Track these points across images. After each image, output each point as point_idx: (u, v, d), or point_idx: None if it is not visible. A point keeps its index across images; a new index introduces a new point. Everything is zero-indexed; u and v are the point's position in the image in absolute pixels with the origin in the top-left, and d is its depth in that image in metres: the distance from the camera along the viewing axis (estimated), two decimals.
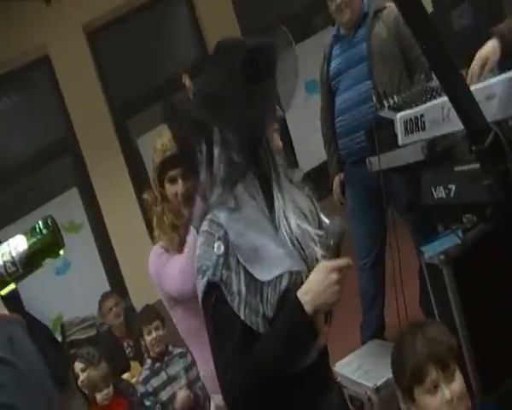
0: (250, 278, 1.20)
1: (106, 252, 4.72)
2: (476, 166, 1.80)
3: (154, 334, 3.09)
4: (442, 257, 2.00)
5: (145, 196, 1.93)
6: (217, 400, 1.82)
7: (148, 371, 3.06)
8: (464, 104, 1.67)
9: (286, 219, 1.28)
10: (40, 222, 0.98)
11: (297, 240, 1.28)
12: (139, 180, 4.41)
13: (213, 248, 1.20)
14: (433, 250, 2.05)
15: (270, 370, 1.21)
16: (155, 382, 3.01)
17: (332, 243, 1.23)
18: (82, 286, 4.63)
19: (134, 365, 3.67)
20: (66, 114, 4.77)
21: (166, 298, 1.86)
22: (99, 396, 2.90)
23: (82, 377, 3.13)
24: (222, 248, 1.20)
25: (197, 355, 1.91)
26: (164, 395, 2.98)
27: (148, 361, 3.10)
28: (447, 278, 2.00)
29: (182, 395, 2.89)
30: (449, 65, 1.64)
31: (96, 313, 4.17)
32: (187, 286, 1.66)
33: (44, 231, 0.96)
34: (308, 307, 1.18)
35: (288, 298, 1.22)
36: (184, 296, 1.72)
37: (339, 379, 2.56)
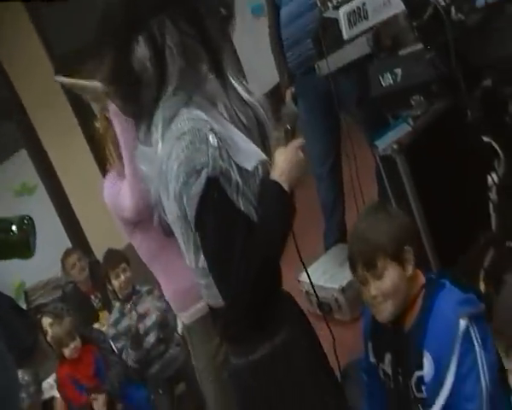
0: (239, 168, 1.23)
1: (64, 210, 4.67)
2: (419, 46, 1.86)
3: (122, 277, 3.08)
4: (395, 146, 2.08)
5: (96, 124, 1.92)
6: (183, 318, 1.86)
7: (117, 314, 3.07)
8: None
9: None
10: (15, 219, 0.93)
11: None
12: (91, 131, 4.34)
13: (207, 142, 1.18)
14: (386, 141, 2.12)
15: (272, 255, 1.27)
16: (126, 323, 3.02)
17: (289, 126, 1.34)
18: (42, 249, 4.53)
19: (102, 314, 3.69)
20: (4, 74, 4.62)
21: (125, 225, 1.88)
22: (66, 351, 2.90)
23: (50, 332, 3.13)
24: (216, 139, 1.18)
25: (161, 276, 1.92)
26: None
27: (117, 304, 3.11)
28: (401, 167, 2.09)
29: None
30: None
31: (60, 274, 4.15)
32: (140, 204, 1.70)
33: (16, 232, 0.93)
34: (286, 186, 1.27)
35: (264, 185, 1.27)
36: (140, 215, 1.74)
37: (305, 289, 2.68)
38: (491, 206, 2.07)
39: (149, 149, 1.28)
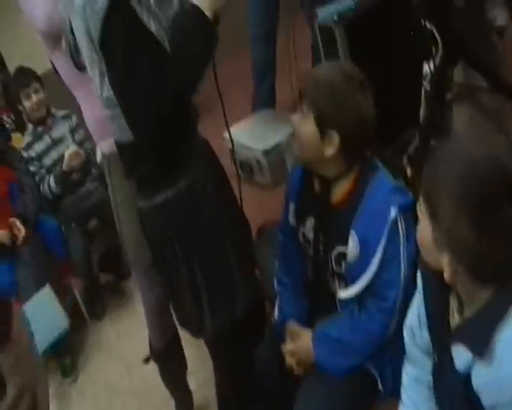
0: None
1: None
2: None
3: (33, 98, 3.00)
4: (335, 18, 2.09)
5: None
6: (103, 147, 1.83)
7: (30, 137, 3.05)
8: None
9: None
10: None
11: None
12: None
13: None
14: (327, 12, 2.14)
15: (186, 85, 1.27)
16: (39, 147, 3.03)
17: None
18: None
19: (16, 137, 3.63)
20: None
21: (44, 40, 1.80)
22: None
23: None
24: None
25: (82, 101, 1.87)
26: (48, 160, 3.03)
27: (30, 126, 3.08)
28: (339, 38, 2.12)
29: (70, 150, 2.96)
30: None
31: None
32: (53, 15, 1.62)
33: None
34: (209, 14, 1.26)
35: (182, 8, 1.26)
36: (54, 28, 1.67)
37: (229, 147, 2.75)
38: (423, 94, 2.15)
39: None
